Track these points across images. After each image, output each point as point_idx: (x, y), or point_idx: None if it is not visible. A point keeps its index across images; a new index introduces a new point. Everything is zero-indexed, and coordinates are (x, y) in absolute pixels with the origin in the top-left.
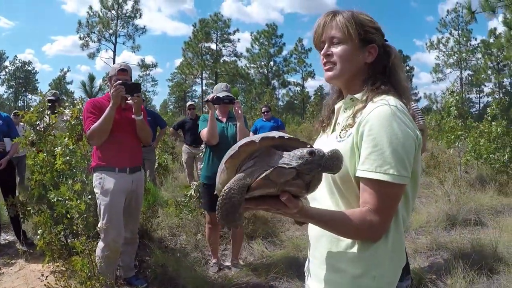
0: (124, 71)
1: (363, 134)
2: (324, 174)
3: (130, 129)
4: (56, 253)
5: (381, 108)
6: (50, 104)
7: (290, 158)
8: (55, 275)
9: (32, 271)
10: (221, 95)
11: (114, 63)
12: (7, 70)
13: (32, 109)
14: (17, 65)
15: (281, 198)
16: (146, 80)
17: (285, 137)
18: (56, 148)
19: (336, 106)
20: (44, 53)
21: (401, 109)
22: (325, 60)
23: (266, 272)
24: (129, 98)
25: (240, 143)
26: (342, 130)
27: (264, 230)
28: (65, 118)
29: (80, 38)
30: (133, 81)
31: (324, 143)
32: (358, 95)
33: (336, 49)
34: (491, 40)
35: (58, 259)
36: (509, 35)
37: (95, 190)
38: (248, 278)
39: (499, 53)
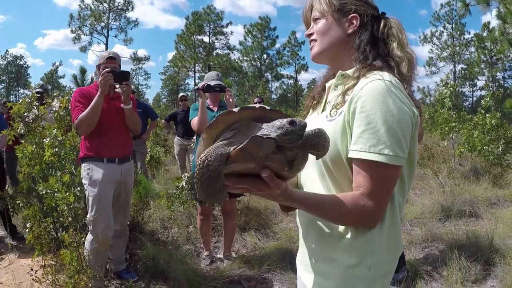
0: (113, 59)
1: (355, 111)
2: (314, 158)
3: (118, 119)
4: (45, 246)
5: (374, 83)
6: (38, 95)
7: (269, 129)
8: (44, 270)
9: (22, 266)
10: (212, 83)
11: (120, 61)
12: None
13: (20, 100)
14: (8, 59)
15: (262, 175)
16: (139, 74)
17: (267, 108)
18: (44, 140)
19: (327, 84)
20: (36, 47)
21: (396, 84)
22: (310, 40)
23: (259, 264)
24: (117, 87)
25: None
26: (332, 108)
27: (257, 221)
28: (53, 109)
29: (71, 31)
30: (122, 70)
31: (314, 122)
32: (349, 71)
33: (316, 26)
34: (485, 34)
35: (47, 253)
36: (503, 28)
37: (83, 181)
38: (241, 270)
39: (492, 46)
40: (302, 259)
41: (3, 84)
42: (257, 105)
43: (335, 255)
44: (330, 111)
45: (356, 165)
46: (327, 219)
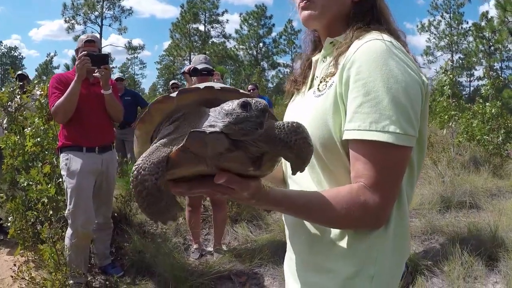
0: (92, 42)
1: (349, 80)
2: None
3: (98, 105)
4: (27, 241)
5: (371, 43)
6: (21, 83)
7: (216, 117)
8: (27, 265)
9: (5, 261)
10: (199, 66)
11: (100, 45)
12: None
13: (3, 89)
14: (2, 51)
15: (216, 181)
16: (134, 63)
17: (216, 87)
18: (26, 130)
19: (314, 59)
20: (31, 38)
21: (398, 46)
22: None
23: (251, 258)
24: (96, 71)
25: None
26: (321, 82)
27: (249, 212)
28: (35, 97)
29: (65, 21)
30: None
31: (299, 105)
32: (340, 37)
33: None
34: (483, 24)
35: (31, 247)
36: (502, 17)
37: (62, 172)
38: (231, 264)
39: (490, 36)
40: (290, 265)
41: (11, 80)
42: (203, 85)
43: (329, 264)
44: (319, 85)
45: (353, 149)
46: (319, 223)
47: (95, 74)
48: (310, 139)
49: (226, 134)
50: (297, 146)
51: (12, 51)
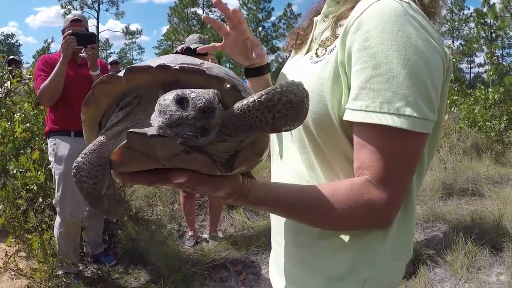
0: (78, 21)
1: (353, 46)
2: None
3: (87, 87)
4: (18, 230)
5: (383, 2)
6: (10, 68)
7: (155, 113)
8: (14, 256)
9: None
10: (193, 46)
11: (98, 30)
12: None
13: None
14: None
15: (173, 181)
16: (133, 48)
17: (174, 66)
18: (15, 115)
19: (316, 18)
20: (28, 25)
21: (416, 8)
22: None
23: (247, 246)
24: (82, 51)
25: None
26: (319, 46)
27: None
28: (24, 81)
29: (61, 6)
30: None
31: (294, 67)
32: None
33: None
34: (485, 10)
35: (22, 236)
36: (506, 2)
37: (50, 158)
38: (227, 252)
39: (492, 23)
40: (275, 258)
41: (1, 64)
42: (160, 62)
43: (316, 262)
44: (317, 49)
45: (358, 134)
46: (313, 226)
47: (81, 54)
48: (300, 104)
49: (161, 136)
50: (279, 123)
51: (9, 38)
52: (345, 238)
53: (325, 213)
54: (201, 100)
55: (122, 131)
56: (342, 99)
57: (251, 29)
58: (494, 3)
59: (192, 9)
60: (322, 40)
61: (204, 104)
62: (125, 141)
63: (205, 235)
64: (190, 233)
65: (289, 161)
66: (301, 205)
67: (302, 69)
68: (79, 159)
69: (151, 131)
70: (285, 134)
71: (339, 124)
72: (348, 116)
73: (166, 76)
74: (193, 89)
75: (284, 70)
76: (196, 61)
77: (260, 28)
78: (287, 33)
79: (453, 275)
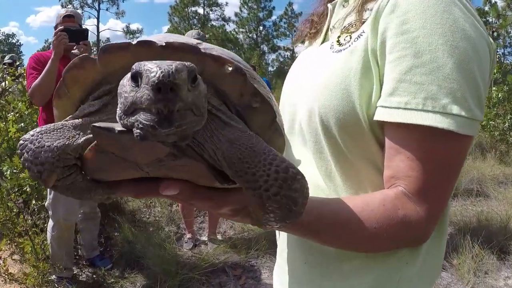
0: (71, 17)
1: (388, 31)
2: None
3: None
4: (12, 233)
5: None
6: (5, 67)
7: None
8: (12, 258)
9: None
10: None
11: (98, 30)
12: None
13: None
14: (0, 38)
15: (162, 192)
16: None
17: (159, 43)
18: (9, 115)
19: (331, 5)
20: (29, 25)
21: None
22: None
23: (247, 249)
24: (75, 47)
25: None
26: (342, 33)
27: None
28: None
29: (62, 6)
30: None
31: (311, 59)
32: None
33: None
34: (486, 8)
35: (17, 239)
36: (508, 0)
37: None
38: (226, 256)
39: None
40: (280, 275)
41: None
42: (137, 40)
43: (330, 285)
44: (338, 37)
45: (392, 137)
46: (336, 247)
47: (74, 51)
48: (302, 201)
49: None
50: (276, 204)
51: (10, 38)
52: (368, 258)
53: (353, 232)
54: (155, 73)
55: (86, 126)
56: (373, 95)
57: (252, 28)
58: (495, 2)
59: (193, 8)
60: (344, 26)
61: (158, 78)
62: (95, 141)
63: (204, 238)
64: (189, 235)
65: (300, 168)
66: (324, 223)
67: (321, 60)
68: (27, 135)
69: (117, 128)
70: (296, 136)
71: (368, 125)
72: (381, 115)
73: (149, 55)
74: (157, 61)
75: (297, 64)
76: (192, 41)
77: (261, 27)
78: (298, 23)
79: (460, 280)
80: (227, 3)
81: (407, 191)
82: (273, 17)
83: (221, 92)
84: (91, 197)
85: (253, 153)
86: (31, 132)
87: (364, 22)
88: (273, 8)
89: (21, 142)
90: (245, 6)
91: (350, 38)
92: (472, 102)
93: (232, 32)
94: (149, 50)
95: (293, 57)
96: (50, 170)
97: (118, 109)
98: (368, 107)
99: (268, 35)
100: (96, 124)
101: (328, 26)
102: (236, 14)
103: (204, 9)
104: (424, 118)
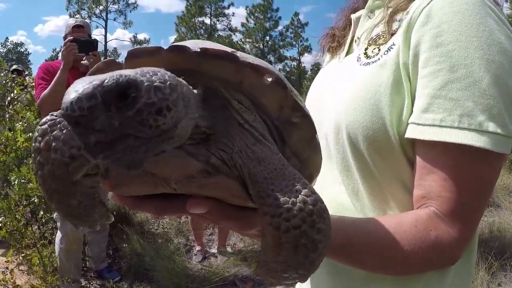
0: (80, 27)
1: (422, 43)
2: (328, 125)
3: None
4: (19, 243)
5: None
6: (13, 76)
7: None
8: (19, 269)
9: None
10: None
11: (106, 40)
12: None
13: None
14: (8, 47)
15: (189, 210)
16: None
17: (194, 49)
18: (17, 124)
19: (355, 16)
20: (37, 34)
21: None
22: None
23: (257, 262)
24: (84, 58)
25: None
26: (369, 45)
27: None
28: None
29: (70, 15)
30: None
31: (335, 73)
32: None
33: None
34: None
35: (25, 250)
36: None
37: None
38: (236, 269)
39: None
40: None
41: (3, 72)
42: (171, 46)
43: None
44: (366, 49)
45: (425, 155)
46: (366, 270)
47: (83, 62)
48: (321, 249)
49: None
50: (293, 241)
51: (18, 47)
52: (395, 282)
53: (386, 254)
54: (67, 100)
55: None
56: (404, 111)
57: (258, 38)
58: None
59: (200, 19)
60: (372, 38)
61: (62, 112)
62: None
63: (213, 250)
64: (198, 247)
65: (324, 186)
66: (355, 244)
67: (347, 73)
68: (52, 116)
69: None
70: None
71: (398, 143)
72: (414, 132)
73: (181, 62)
74: (92, 77)
75: (320, 78)
76: (226, 48)
77: (268, 37)
78: (320, 37)
79: None
80: (233, 13)
81: (439, 211)
82: (280, 27)
83: (258, 104)
84: (94, 216)
85: (281, 175)
86: (48, 117)
87: (393, 34)
88: (280, 18)
89: (49, 117)
90: (252, 16)
91: (379, 50)
92: (508, 118)
93: (239, 42)
94: (182, 57)
95: (299, 67)
96: (79, 162)
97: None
98: (399, 124)
99: (274, 45)
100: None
101: (353, 37)
102: (242, 24)
103: (211, 19)
104: (460, 136)
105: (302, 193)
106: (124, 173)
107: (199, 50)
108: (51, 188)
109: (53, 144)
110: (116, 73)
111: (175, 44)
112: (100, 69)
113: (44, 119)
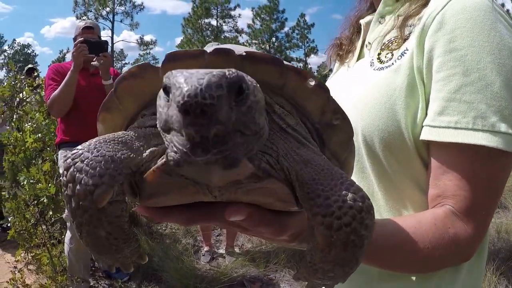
0: (90, 28)
1: (435, 49)
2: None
3: (99, 97)
4: (28, 243)
5: None
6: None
7: None
8: (20, 271)
9: (6, 263)
10: None
11: (112, 41)
12: (5, 54)
13: (5, 83)
14: (16, 48)
15: (227, 217)
16: (147, 59)
17: (238, 52)
18: (26, 125)
19: (364, 21)
20: (43, 36)
21: (498, 4)
22: None
23: (265, 262)
24: (94, 59)
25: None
26: (382, 50)
27: None
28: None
29: (77, 17)
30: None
31: (345, 80)
32: None
33: None
34: None
35: (33, 249)
36: None
37: (60, 170)
38: (244, 269)
39: None
40: None
41: (11, 73)
42: (211, 48)
43: None
44: (379, 54)
45: (440, 156)
46: (385, 269)
47: (93, 63)
48: (366, 244)
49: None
50: (344, 238)
51: (25, 49)
52: (409, 279)
53: (408, 254)
54: (180, 90)
55: (158, 137)
56: (419, 114)
57: (264, 39)
58: (508, 9)
59: (206, 20)
60: (384, 43)
61: (183, 99)
62: (163, 160)
63: (222, 251)
64: (206, 248)
65: None
66: (377, 244)
67: (360, 77)
68: (84, 144)
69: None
70: None
71: (413, 145)
72: (429, 134)
73: (224, 65)
74: (190, 70)
75: (331, 84)
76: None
77: (274, 39)
78: (326, 49)
79: None
80: (240, 15)
81: (456, 209)
82: (286, 29)
83: (300, 108)
84: (124, 252)
85: (329, 175)
86: (88, 142)
87: (406, 39)
88: (286, 19)
89: (74, 151)
90: (258, 18)
91: (392, 55)
92: None
93: (245, 43)
94: (227, 60)
95: (305, 69)
96: (109, 185)
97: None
98: (414, 126)
99: (281, 46)
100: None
101: (363, 42)
102: (249, 26)
103: (217, 21)
104: (475, 137)
105: (351, 191)
106: (165, 181)
107: (244, 53)
108: (80, 221)
109: (77, 175)
110: (225, 70)
111: (220, 46)
112: (133, 73)
113: (67, 154)
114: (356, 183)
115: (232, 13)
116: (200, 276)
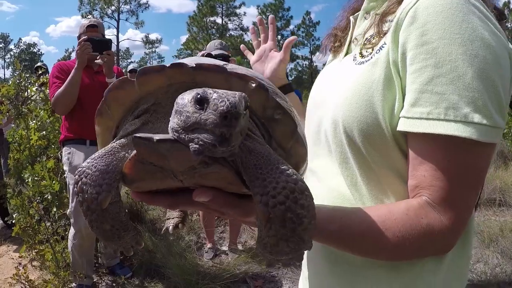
0: (94, 27)
1: (408, 42)
2: (320, 118)
3: (103, 95)
4: (32, 239)
5: None
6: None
7: (172, 114)
8: (24, 267)
9: (11, 259)
10: (214, 52)
11: (118, 40)
12: (11, 53)
13: (10, 82)
14: (21, 47)
15: (194, 198)
16: (153, 57)
17: (190, 65)
18: (30, 123)
19: (353, 17)
20: (49, 35)
21: None
22: None
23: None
24: (98, 57)
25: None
26: (364, 45)
27: None
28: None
29: (82, 16)
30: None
31: (334, 72)
32: None
33: None
34: (505, 13)
35: (37, 246)
36: None
37: (64, 167)
38: (247, 266)
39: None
40: (306, 286)
41: (17, 72)
42: (171, 63)
43: None
44: (361, 49)
45: (415, 147)
46: (359, 255)
47: (97, 61)
48: (307, 224)
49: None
50: (280, 215)
51: (31, 48)
52: (392, 267)
53: (377, 241)
54: (224, 102)
55: (130, 143)
56: (396, 106)
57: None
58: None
59: (211, 18)
60: (366, 38)
61: (227, 108)
62: (134, 152)
63: (224, 248)
64: (209, 245)
65: (325, 178)
66: (349, 232)
67: (344, 72)
68: (84, 163)
69: (160, 136)
70: (322, 147)
71: (391, 136)
72: (404, 125)
73: (181, 76)
74: (218, 89)
75: (321, 77)
76: (219, 62)
77: (279, 37)
78: (323, 37)
79: None
80: (245, 13)
81: (431, 200)
82: (291, 27)
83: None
84: (125, 239)
85: (268, 161)
86: (88, 160)
87: (385, 34)
88: (291, 17)
89: (79, 169)
90: (263, 16)
91: (372, 50)
92: (493, 110)
93: (251, 41)
94: (181, 71)
95: (311, 66)
96: (107, 190)
97: (173, 122)
98: (391, 118)
99: None
100: (137, 135)
101: (351, 38)
102: (254, 24)
103: (222, 19)
104: (446, 128)
105: (284, 174)
106: (140, 169)
107: (194, 65)
108: (90, 219)
109: (84, 187)
110: (237, 93)
111: (175, 62)
112: (116, 86)
113: (76, 172)
114: (292, 169)
115: (237, 11)
116: (202, 273)
